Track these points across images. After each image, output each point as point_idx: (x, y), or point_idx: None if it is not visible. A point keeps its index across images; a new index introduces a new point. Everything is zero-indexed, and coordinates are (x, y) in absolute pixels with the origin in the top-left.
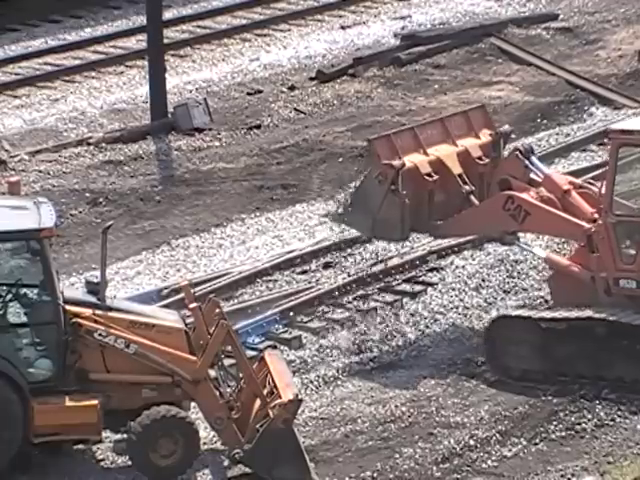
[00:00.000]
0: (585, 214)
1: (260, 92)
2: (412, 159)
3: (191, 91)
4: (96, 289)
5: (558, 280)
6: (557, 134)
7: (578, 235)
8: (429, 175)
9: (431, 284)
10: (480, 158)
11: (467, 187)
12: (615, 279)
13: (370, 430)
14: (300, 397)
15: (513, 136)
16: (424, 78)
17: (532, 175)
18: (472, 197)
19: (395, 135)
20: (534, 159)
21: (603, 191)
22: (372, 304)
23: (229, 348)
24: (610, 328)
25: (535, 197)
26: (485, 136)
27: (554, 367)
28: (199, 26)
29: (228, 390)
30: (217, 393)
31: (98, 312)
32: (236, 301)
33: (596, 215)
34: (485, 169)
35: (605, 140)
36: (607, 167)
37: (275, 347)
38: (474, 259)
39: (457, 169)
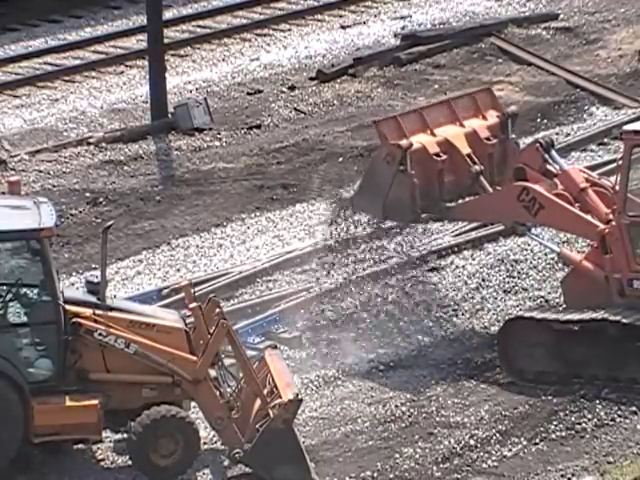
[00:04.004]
0: (600, 214)
1: (260, 92)
2: (419, 140)
3: (191, 91)
4: (96, 289)
5: (572, 282)
6: (557, 134)
7: (592, 235)
8: (437, 155)
9: (431, 284)
10: (488, 139)
11: (477, 167)
12: (629, 280)
13: (370, 430)
14: (300, 397)
15: (513, 136)
16: (424, 78)
17: (549, 167)
18: (481, 178)
19: (401, 117)
20: (554, 153)
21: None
22: (372, 304)
23: (229, 348)
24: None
25: (549, 190)
26: (492, 117)
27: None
28: (199, 26)
29: (228, 390)
30: (217, 393)
31: (98, 312)
32: (236, 301)
33: (611, 216)
34: (494, 149)
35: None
36: (620, 168)
37: (275, 347)
38: (474, 259)
39: (465, 149)
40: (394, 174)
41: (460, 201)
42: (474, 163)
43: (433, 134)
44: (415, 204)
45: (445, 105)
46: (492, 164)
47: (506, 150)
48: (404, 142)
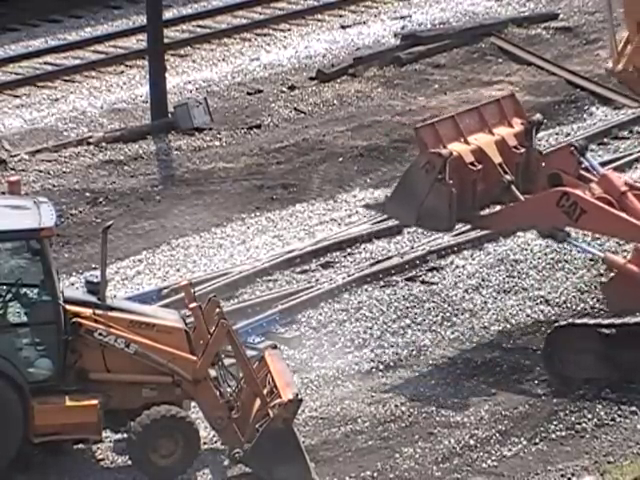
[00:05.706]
0: None
1: (260, 92)
2: (455, 148)
3: (191, 91)
4: (96, 289)
5: (615, 286)
6: (557, 134)
7: (639, 238)
8: (473, 164)
9: (431, 284)
10: (516, 147)
11: (508, 177)
12: None
13: (370, 430)
14: (300, 397)
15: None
16: (424, 78)
17: (583, 172)
18: (512, 187)
19: (439, 123)
20: (588, 156)
21: None
22: (372, 303)
23: (229, 348)
24: None
25: (589, 195)
26: (517, 125)
27: None
28: (199, 26)
29: (228, 390)
30: (217, 393)
31: (98, 312)
32: (236, 301)
33: None
34: (521, 158)
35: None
36: None
37: (275, 347)
38: (474, 259)
39: (497, 158)
40: (432, 183)
41: (492, 210)
42: (505, 172)
43: (467, 142)
44: (452, 213)
45: (475, 112)
46: (518, 172)
47: (530, 158)
48: (445, 151)
